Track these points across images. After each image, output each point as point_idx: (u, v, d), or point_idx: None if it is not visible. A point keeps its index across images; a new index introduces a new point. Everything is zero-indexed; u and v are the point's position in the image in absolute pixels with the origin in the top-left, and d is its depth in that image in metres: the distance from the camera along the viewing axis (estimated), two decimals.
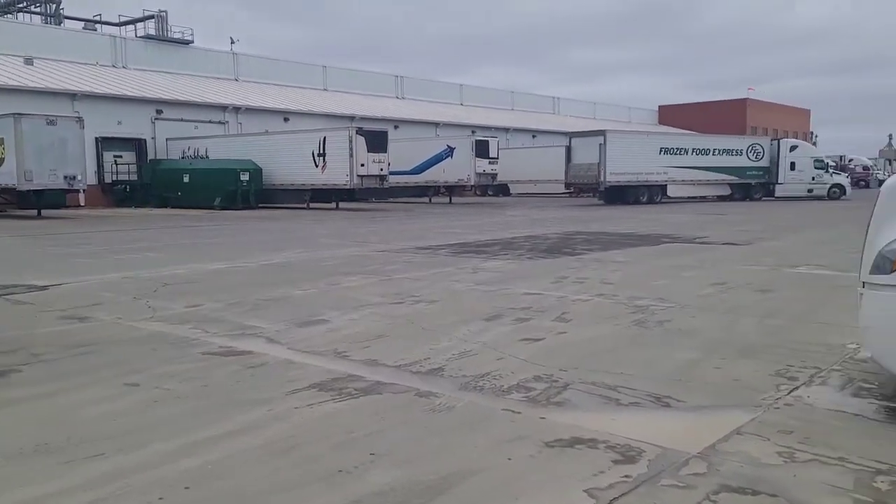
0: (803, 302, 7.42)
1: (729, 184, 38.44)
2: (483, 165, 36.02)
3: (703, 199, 38.26)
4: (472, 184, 38.35)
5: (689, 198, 37.71)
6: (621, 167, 34.63)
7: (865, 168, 66.48)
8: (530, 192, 47.09)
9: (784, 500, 2.92)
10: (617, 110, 78.10)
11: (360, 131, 30.41)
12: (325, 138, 30.69)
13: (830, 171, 39.89)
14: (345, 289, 8.55)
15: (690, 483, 3.08)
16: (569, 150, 37.20)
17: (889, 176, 4.96)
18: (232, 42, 50.28)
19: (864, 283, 4.08)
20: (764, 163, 38.54)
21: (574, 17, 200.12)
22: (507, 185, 45.80)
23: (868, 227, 4.10)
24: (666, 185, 36.58)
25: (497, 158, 36.93)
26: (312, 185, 31.05)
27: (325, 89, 52.33)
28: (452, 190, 38.87)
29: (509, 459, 3.36)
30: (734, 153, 38.09)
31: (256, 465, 3.32)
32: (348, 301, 7.65)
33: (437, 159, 36.97)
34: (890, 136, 75.98)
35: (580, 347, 5.52)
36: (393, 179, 32.36)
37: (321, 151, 30.53)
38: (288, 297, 8.02)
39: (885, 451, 3.39)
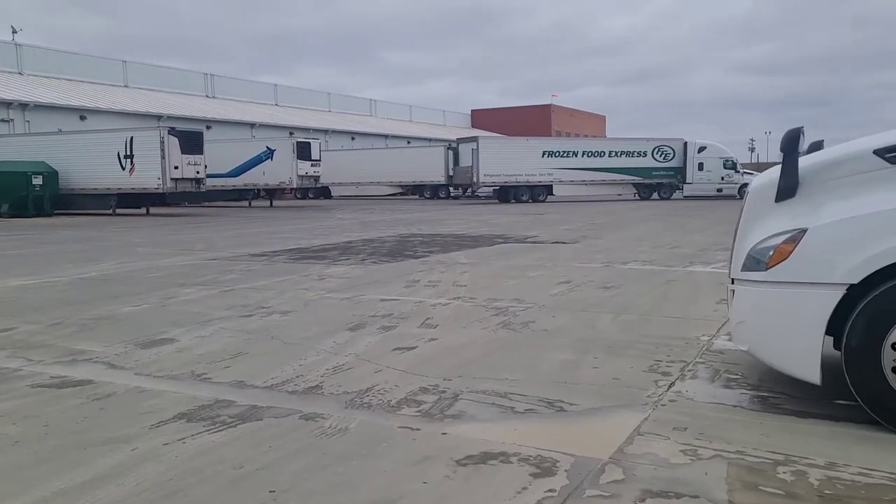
0: (646, 297, 7.83)
1: (633, 183, 40.99)
2: (305, 168, 35.25)
3: (619, 196, 41.03)
4: (294, 186, 37.42)
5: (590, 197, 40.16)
6: (496, 169, 37.54)
7: None
8: (353, 195, 46.85)
9: (706, 500, 2.94)
10: (432, 113, 79.85)
11: (172, 131, 28.60)
12: (132, 138, 28.53)
13: (741, 171, 42.24)
14: (183, 303, 7.83)
15: (614, 492, 3.03)
16: (456, 153, 40.25)
17: None
18: (14, 31, 45.11)
19: (733, 279, 4.30)
20: (675, 163, 40.90)
21: (388, 20, 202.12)
22: (328, 187, 45.20)
23: (737, 226, 4.32)
24: (552, 185, 38.99)
25: (319, 160, 36.30)
26: (119, 189, 28.70)
27: (126, 86, 48.64)
28: (273, 193, 37.67)
29: (425, 483, 3.13)
30: (637, 154, 40.45)
31: None
32: (191, 316, 6.99)
33: (256, 161, 35.59)
34: None
35: (456, 354, 5.40)
36: (209, 183, 30.73)
37: (128, 153, 28.32)
38: (118, 314, 7.19)
39: (774, 442, 3.55)
